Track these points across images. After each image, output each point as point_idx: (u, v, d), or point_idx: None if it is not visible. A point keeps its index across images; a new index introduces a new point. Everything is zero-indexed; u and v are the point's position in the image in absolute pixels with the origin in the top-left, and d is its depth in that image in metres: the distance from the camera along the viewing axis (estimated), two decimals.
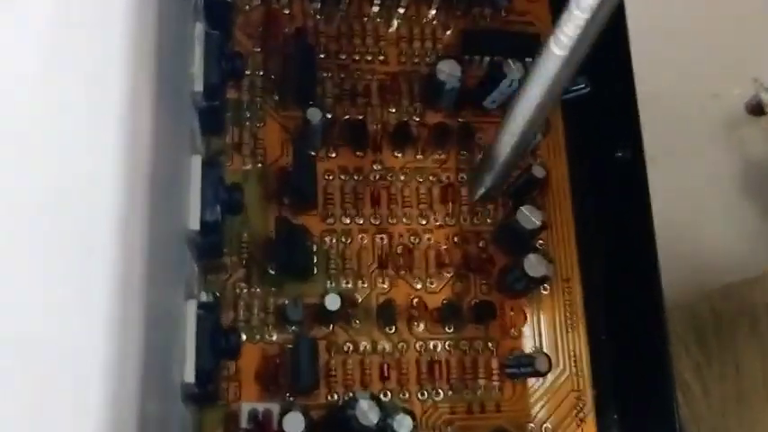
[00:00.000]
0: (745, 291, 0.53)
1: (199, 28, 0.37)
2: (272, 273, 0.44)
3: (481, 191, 0.46)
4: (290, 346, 0.43)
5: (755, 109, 0.61)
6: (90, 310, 0.23)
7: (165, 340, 0.31)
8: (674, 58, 0.65)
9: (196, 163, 0.36)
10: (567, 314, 0.47)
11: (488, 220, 0.48)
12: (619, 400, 0.49)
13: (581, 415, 0.46)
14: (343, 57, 0.49)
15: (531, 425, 0.45)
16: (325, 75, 0.48)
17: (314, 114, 0.44)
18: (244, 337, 0.43)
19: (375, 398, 0.39)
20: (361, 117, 0.48)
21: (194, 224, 0.35)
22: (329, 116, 0.47)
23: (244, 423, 0.40)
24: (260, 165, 0.46)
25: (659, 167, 0.49)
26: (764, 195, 0.62)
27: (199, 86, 0.37)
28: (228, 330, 0.35)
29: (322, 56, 0.49)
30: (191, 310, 0.34)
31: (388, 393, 0.44)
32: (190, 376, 0.33)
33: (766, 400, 0.52)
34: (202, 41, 0.37)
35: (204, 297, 0.41)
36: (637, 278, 0.48)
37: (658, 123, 0.51)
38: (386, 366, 0.44)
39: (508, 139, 0.41)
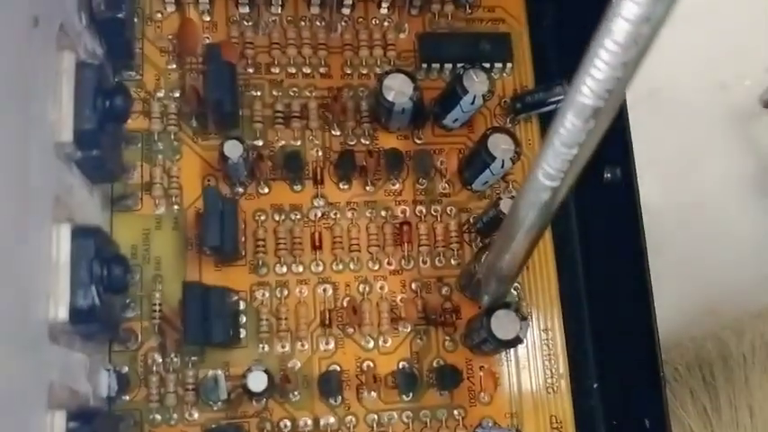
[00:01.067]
0: (760, 325, 0.46)
1: (68, 59, 0.30)
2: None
3: (486, 299, 0.38)
4: (213, 426, 0.36)
5: None
6: None
7: None
8: (679, 47, 0.56)
9: (63, 234, 0.28)
10: (549, 371, 0.40)
11: (453, 262, 0.40)
12: None
13: None
14: (276, 71, 0.41)
15: None
16: (253, 94, 0.41)
17: (233, 150, 0.36)
18: (158, 417, 0.36)
19: None
20: (297, 143, 0.40)
21: (62, 313, 0.28)
22: (259, 143, 0.40)
23: None
24: (176, 207, 0.39)
25: (659, 171, 0.42)
26: None
27: (66, 136, 0.29)
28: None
29: (250, 70, 0.41)
30: (58, 424, 0.27)
31: None
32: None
33: None
34: (71, 77, 0.29)
35: (104, 378, 0.35)
36: (630, 322, 0.41)
37: (658, 118, 0.43)
38: None
39: (510, 258, 0.33)
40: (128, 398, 0.36)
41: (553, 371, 0.40)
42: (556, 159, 0.27)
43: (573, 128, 0.25)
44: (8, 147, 0.24)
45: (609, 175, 0.42)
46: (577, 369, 0.41)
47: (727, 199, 0.55)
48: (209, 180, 0.39)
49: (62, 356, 0.29)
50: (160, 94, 0.40)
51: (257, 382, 0.34)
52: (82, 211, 0.32)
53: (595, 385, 0.43)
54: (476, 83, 0.38)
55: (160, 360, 0.37)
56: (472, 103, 0.39)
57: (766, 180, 0.55)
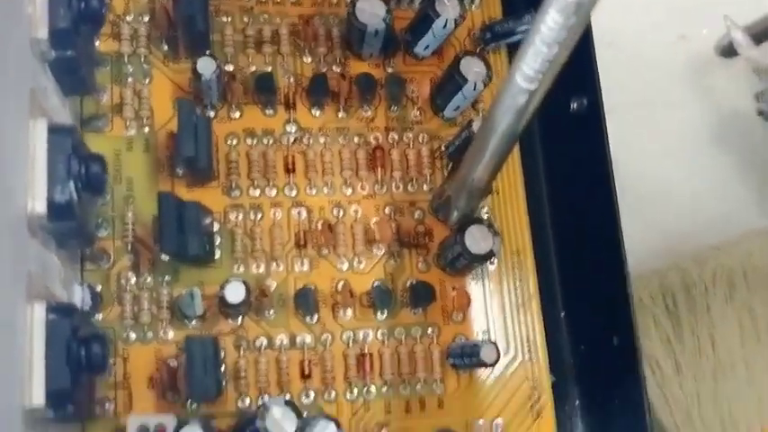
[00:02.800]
0: (721, 256, 0.48)
1: None
2: (165, 259, 0.37)
3: (455, 215, 0.38)
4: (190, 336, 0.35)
5: (726, 50, 0.55)
6: None
7: None
8: None
9: (39, 129, 0.28)
10: (519, 291, 0.41)
11: (425, 187, 0.41)
12: (580, 387, 0.43)
13: (537, 407, 0.39)
14: None
15: (481, 421, 0.39)
16: (224, 19, 0.41)
17: (206, 66, 0.36)
18: (133, 336, 0.36)
19: (290, 403, 0.32)
20: (269, 69, 0.40)
21: (39, 206, 0.27)
22: (230, 68, 0.40)
23: None
24: (146, 129, 0.38)
25: (620, 118, 0.43)
26: (738, 148, 0.56)
27: (42, 32, 0.29)
28: (89, 338, 0.28)
29: None
30: (38, 314, 0.27)
31: (311, 395, 0.37)
32: (38, 398, 0.26)
33: (745, 378, 0.46)
34: None
35: (78, 292, 0.34)
36: (597, 246, 0.42)
37: (618, 68, 0.44)
38: (307, 363, 0.37)
39: (482, 168, 0.34)
40: (101, 316, 0.36)
41: (524, 291, 0.41)
42: (536, 59, 0.27)
43: (555, 25, 0.26)
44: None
45: (575, 105, 0.43)
46: (545, 297, 0.42)
47: (685, 145, 0.57)
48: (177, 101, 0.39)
49: (40, 253, 0.28)
50: (129, 18, 0.39)
51: (235, 292, 0.34)
52: (55, 119, 0.32)
53: (562, 313, 0.44)
54: (447, 7, 0.39)
55: (134, 279, 0.36)
56: (444, 27, 0.39)
57: (722, 127, 0.57)
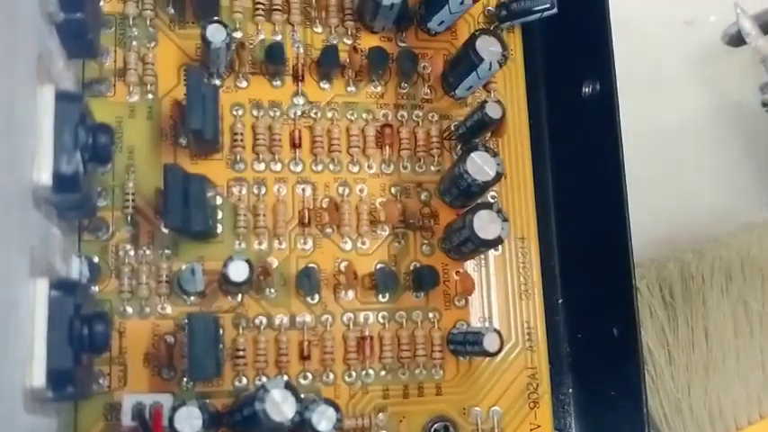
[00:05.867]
0: (720, 248, 0.47)
1: None
2: (165, 232, 0.35)
3: None
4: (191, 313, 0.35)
5: (734, 39, 0.54)
6: None
7: None
8: None
9: (47, 96, 0.27)
10: (522, 279, 0.40)
11: (432, 168, 0.40)
12: (575, 375, 0.43)
13: (534, 396, 0.39)
14: None
15: (477, 409, 0.38)
16: None
17: (216, 33, 0.35)
18: (130, 310, 0.35)
19: (290, 386, 0.32)
20: (278, 38, 0.39)
21: (45, 177, 0.26)
22: (238, 36, 0.38)
23: (126, 420, 0.32)
24: (150, 96, 0.37)
25: (622, 102, 0.42)
26: (742, 137, 0.56)
27: None
28: (93, 316, 0.27)
29: None
30: (40, 290, 0.26)
31: (309, 376, 0.37)
32: (38, 378, 0.25)
33: (736, 372, 0.46)
34: None
35: (76, 264, 0.33)
36: (602, 235, 0.41)
37: (623, 53, 0.43)
38: (306, 344, 0.36)
39: None
40: (97, 288, 0.35)
41: (527, 278, 0.40)
42: None
43: None
44: None
45: (588, 89, 0.42)
46: (546, 283, 0.41)
47: (688, 133, 0.56)
48: (185, 69, 0.37)
49: (42, 226, 0.27)
50: None
51: (238, 271, 0.33)
52: (60, 84, 0.30)
53: (560, 300, 0.43)
54: None
55: (132, 252, 0.35)
56: (461, 2, 0.38)
57: (726, 117, 0.57)
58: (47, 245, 0.28)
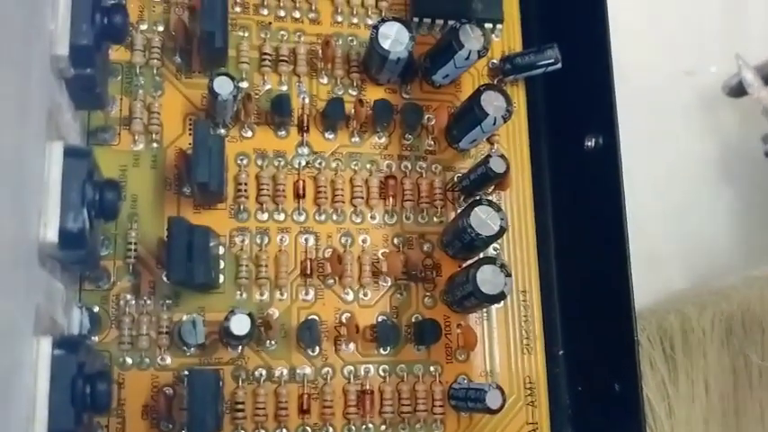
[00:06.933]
0: (721, 302, 0.47)
1: None
2: (167, 281, 0.35)
3: None
4: (186, 373, 0.34)
5: (735, 90, 0.54)
6: None
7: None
8: (644, 30, 0.57)
9: (56, 152, 0.26)
10: (524, 332, 0.40)
11: (435, 219, 0.40)
12: (574, 427, 0.42)
13: None
14: (265, 12, 0.40)
15: None
16: (240, 34, 0.39)
17: (223, 85, 0.35)
18: (129, 361, 0.35)
19: None
20: (284, 89, 0.39)
21: (51, 235, 0.26)
22: (244, 86, 0.39)
23: None
24: (155, 145, 0.37)
25: (623, 152, 0.42)
26: (744, 188, 0.56)
27: (62, 49, 0.27)
28: (95, 375, 0.26)
29: (237, 9, 0.39)
30: (44, 349, 0.25)
31: (308, 430, 0.36)
32: None
33: (735, 426, 0.46)
34: None
35: (77, 315, 0.33)
36: (604, 289, 0.41)
37: (623, 101, 0.43)
38: (306, 397, 0.36)
39: None
40: (97, 339, 0.34)
41: (529, 332, 0.40)
42: None
43: None
44: (15, 51, 0.23)
45: (591, 143, 0.43)
46: (547, 335, 0.41)
47: (689, 183, 0.56)
48: (190, 119, 0.38)
49: (46, 282, 0.27)
50: (143, 27, 0.38)
51: (240, 325, 0.33)
52: (67, 136, 0.30)
53: (561, 352, 0.43)
54: (472, 38, 0.38)
55: (133, 302, 0.35)
56: (467, 58, 0.38)
57: (728, 167, 0.57)
58: (50, 300, 0.27)
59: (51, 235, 0.26)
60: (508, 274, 0.36)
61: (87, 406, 0.26)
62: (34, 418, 0.24)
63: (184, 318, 0.35)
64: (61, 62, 0.28)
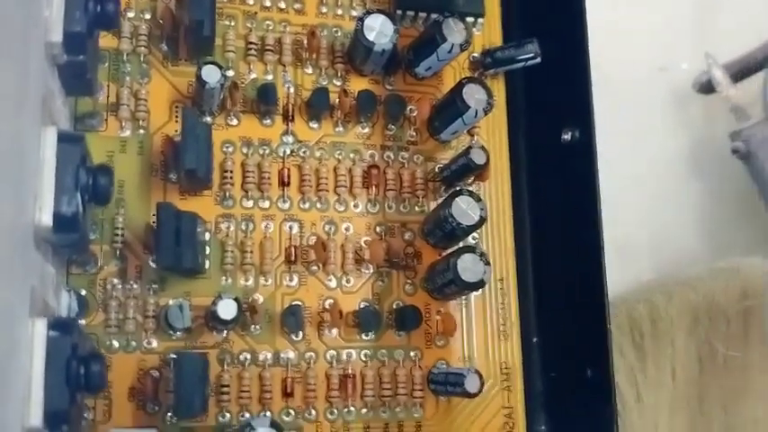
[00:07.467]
0: (688, 291, 0.49)
1: None
2: (153, 266, 0.36)
3: None
4: (173, 356, 0.35)
5: (705, 87, 0.56)
6: None
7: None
8: (619, 26, 0.59)
9: (50, 137, 0.27)
10: (501, 319, 0.41)
11: (416, 209, 0.41)
12: (548, 413, 0.44)
13: None
14: (251, 2, 0.40)
15: None
16: (226, 23, 0.40)
17: (211, 74, 0.35)
18: (116, 344, 0.35)
19: (276, 425, 0.32)
20: (269, 78, 0.40)
21: (46, 218, 0.26)
22: (230, 74, 0.39)
23: None
24: (141, 131, 0.37)
25: (599, 146, 0.43)
26: (711, 182, 0.58)
27: (56, 35, 0.28)
28: (89, 357, 0.27)
29: None
30: (39, 331, 0.26)
31: (291, 413, 0.37)
32: (35, 418, 0.25)
33: (699, 410, 0.48)
34: None
35: (65, 298, 0.33)
36: (578, 278, 0.42)
37: (598, 96, 0.45)
38: (290, 381, 0.37)
39: None
40: (84, 322, 0.35)
41: (505, 319, 0.41)
42: None
43: None
44: (15, 39, 0.23)
45: (567, 136, 0.44)
46: (522, 322, 0.43)
47: (659, 177, 0.58)
48: (177, 106, 0.38)
49: (40, 265, 0.28)
50: (131, 14, 0.38)
51: (227, 310, 0.34)
52: (57, 122, 0.30)
53: (535, 339, 0.44)
54: (455, 32, 0.39)
55: (120, 286, 0.36)
56: (449, 51, 0.39)
57: (697, 161, 0.59)
58: (43, 283, 0.28)
59: (46, 219, 0.26)
60: (488, 263, 0.37)
61: (81, 386, 0.27)
62: (30, 399, 0.25)
63: (170, 302, 0.36)
64: (54, 48, 0.28)
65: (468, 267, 0.37)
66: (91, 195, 0.28)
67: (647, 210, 0.57)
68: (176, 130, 0.37)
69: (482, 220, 0.37)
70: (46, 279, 0.29)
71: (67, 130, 0.32)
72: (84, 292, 0.35)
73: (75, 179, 0.27)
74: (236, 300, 0.34)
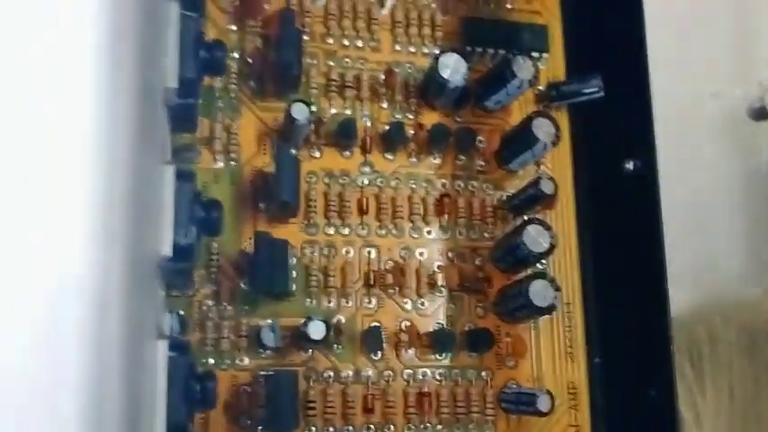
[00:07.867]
0: (745, 314, 0.50)
1: (173, 9, 0.31)
2: (245, 288, 0.38)
3: None
4: (264, 372, 0.37)
5: (759, 113, 0.57)
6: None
7: (136, 392, 0.25)
8: (671, 53, 0.60)
9: (168, 175, 0.30)
10: (568, 341, 0.43)
11: (486, 235, 0.43)
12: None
13: None
14: (331, 41, 0.43)
15: None
16: (309, 61, 0.42)
17: (300, 111, 0.38)
18: (212, 361, 0.38)
19: None
20: (348, 112, 0.42)
21: (166, 248, 0.29)
22: (313, 109, 0.42)
23: None
24: (233, 163, 0.40)
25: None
26: (762, 206, 0.59)
27: (172, 81, 0.30)
28: (203, 376, 0.30)
29: (306, 38, 0.43)
30: (161, 351, 0.29)
31: (372, 427, 0.39)
32: None
33: None
34: (177, 27, 0.31)
35: (168, 319, 0.36)
36: (641, 301, 0.44)
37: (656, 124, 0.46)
38: (370, 397, 0.39)
39: None
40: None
41: (572, 340, 0.43)
42: None
43: None
44: (154, 82, 0.26)
45: (630, 165, 0.46)
46: (587, 344, 0.44)
47: (716, 203, 0.59)
48: (264, 139, 0.41)
49: (159, 291, 0.30)
50: None
51: (317, 330, 0.36)
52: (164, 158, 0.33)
53: (597, 359, 0.46)
54: (524, 68, 0.41)
55: (214, 307, 0.38)
56: (519, 87, 0.41)
57: (753, 187, 0.60)
58: (159, 307, 0.31)
59: (166, 249, 0.29)
60: (558, 288, 0.39)
61: (197, 403, 0.29)
62: (154, 417, 0.28)
63: (261, 323, 0.38)
64: (168, 92, 0.31)
65: (539, 293, 0.39)
66: (203, 228, 0.31)
67: (698, 235, 0.58)
68: (265, 163, 0.40)
69: (552, 247, 0.39)
70: (159, 302, 0.31)
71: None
72: (182, 313, 0.38)
73: (190, 212, 0.30)
74: (324, 321, 0.37)
